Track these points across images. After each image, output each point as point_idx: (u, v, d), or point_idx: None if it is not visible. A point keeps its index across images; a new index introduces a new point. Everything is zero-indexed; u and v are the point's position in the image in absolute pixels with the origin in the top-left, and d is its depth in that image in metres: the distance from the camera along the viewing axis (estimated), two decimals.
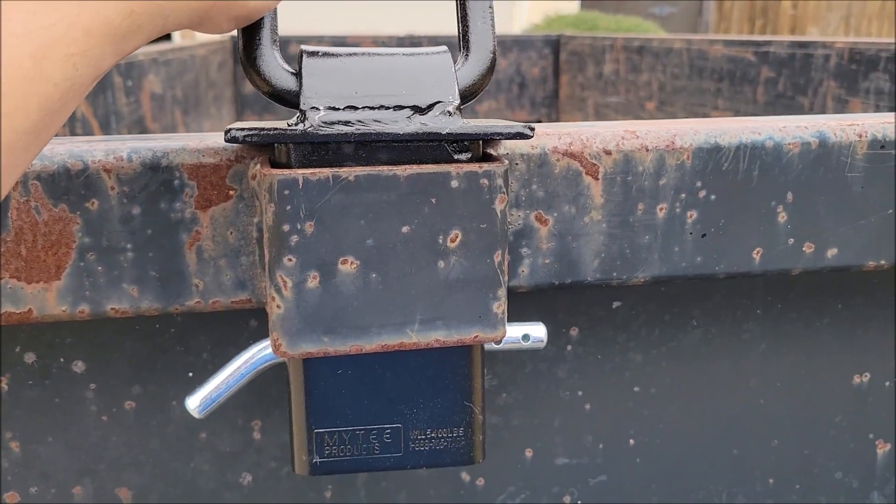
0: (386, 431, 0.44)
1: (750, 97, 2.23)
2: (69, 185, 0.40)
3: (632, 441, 0.57)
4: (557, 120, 3.59)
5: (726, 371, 0.56)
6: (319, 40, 3.42)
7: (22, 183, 0.40)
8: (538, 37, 3.62)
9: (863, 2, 8.08)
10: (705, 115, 2.45)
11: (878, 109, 1.81)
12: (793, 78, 2.06)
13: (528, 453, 0.56)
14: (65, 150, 0.41)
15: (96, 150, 0.41)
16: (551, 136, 0.45)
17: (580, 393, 0.55)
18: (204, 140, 0.42)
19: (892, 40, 1.75)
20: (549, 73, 3.61)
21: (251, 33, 0.39)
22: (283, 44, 3.27)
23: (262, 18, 0.39)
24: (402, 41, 3.46)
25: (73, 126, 1.61)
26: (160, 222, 0.42)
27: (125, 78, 1.97)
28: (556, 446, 0.56)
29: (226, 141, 0.36)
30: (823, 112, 1.97)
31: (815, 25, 8.05)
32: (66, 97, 0.32)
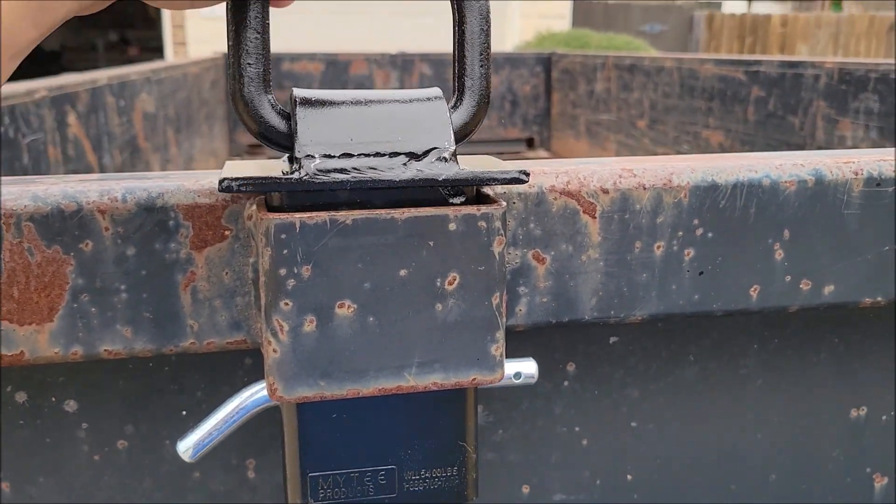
0: (380, 473, 0.44)
1: (740, 116, 2.25)
2: (63, 226, 0.40)
3: (629, 476, 0.56)
4: (549, 137, 3.60)
5: (724, 406, 0.56)
6: (312, 58, 3.43)
7: (15, 224, 0.39)
8: (530, 54, 3.65)
9: (851, 20, 8.16)
10: (696, 134, 2.46)
11: (867, 130, 1.83)
12: (783, 97, 2.07)
13: (525, 490, 0.55)
14: (59, 191, 0.40)
15: (90, 190, 0.40)
16: (548, 174, 0.44)
17: (577, 429, 0.55)
18: (199, 180, 0.42)
19: (882, 61, 1.76)
20: (541, 91, 3.63)
21: (243, 70, 0.38)
22: (275, 62, 3.28)
23: (254, 56, 0.38)
24: (394, 58, 3.47)
25: (66, 147, 1.60)
26: (155, 263, 0.41)
27: (118, 98, 1.97)
28: (554, 483, 0.55)
29: (220, 191, 0.36)
30: (814, 132, 1.99)
31: (805, 43, 8.12)
32: None
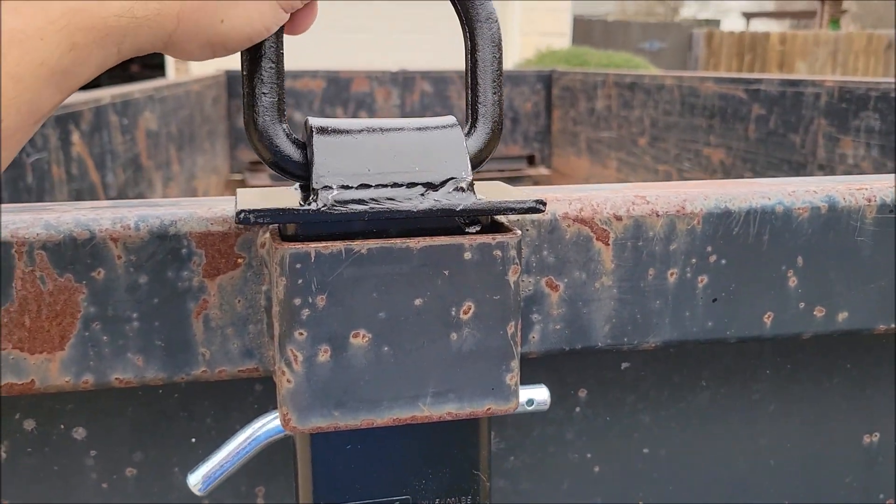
0: (395, 503, 0.43)
1: (742, 134, 2.25)
2: (75, 254, 0.40)
3: (641, 503, 0.56)
4: (550, 154, 3.61)
5: (736, 432, 0.56)
6: (313, 75, 3.44)
7: (27, 253, 0.39)
8: (530, 72, 3.66)
9: (850, 37, 8.21)
10: (697, 152, 2.47)
11: (868, 148, 1.83)
12: (784, 115, 2.08)
13: None
14: (71, 219, 0.40)
15: (103, 218, 0.40)
16: (562, 201, 0.44)
17: (589, 455, 0.54)
18: (212, 207, 0.42)
19: (882, 79, 1.77)
20: (542, 108, 3.64)
21: (258, 100, 0.38)
22: None
23: (268, 85, 0.38)
24: (395, 76, 3.48)
25: (69, 166, 1.60)
26: (167, 291, 0.41)
27: (121, 116, 1.97)
28: None
29: (237, 223, 0.35)
30: (815, 150, 1.99)
31: (803, 60, 8.16)
32: None
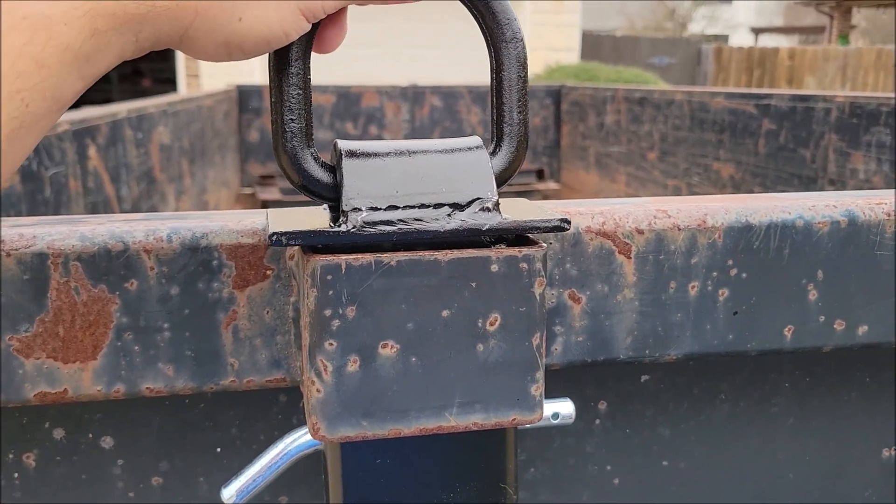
0: None
1: (752, 149, 2.25)
2: (109, 265, 0.41)
3: None
4: (559, 168, 3.62)
5: (755, 445, 0.56)
6: (324, 90, 3.47)
7: (63, 264, 0.40)
8: (540, 87, 3.68)
9: (859, 53, 8.21)
10: (707, 166, 2.47)
11: (879, 163, 1.83)
12: (794, 130, 2.08)
13: None
14: (105, 231, 0.41)
15: (137, 230, 0.41)
16: (584, 215, 0.45)
17: (609, 467, 0.55)
18: (242, 220, 0.43)
19: (893, 95, 1.77)
20: (551, 123, 3.65)
21: (286, 125, 0.39)
22: None
23: (296, 112, 0.38)
24: (405, 90, 3.50)
25: (86, 179, 1.62)
26: (198, 302, 0.42)
27: (136, 130, 1.99)
28: None
29: (270, 245, 0.36)
30: (825, 164, 1.99)
31: (812, 75, 8.17)
32: (15, 137, 0.29)
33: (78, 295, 0.41)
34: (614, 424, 0.54)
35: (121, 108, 1.94)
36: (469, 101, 3.54)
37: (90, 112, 1.78)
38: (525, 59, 0.42)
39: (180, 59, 8.01)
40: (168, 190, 2.28)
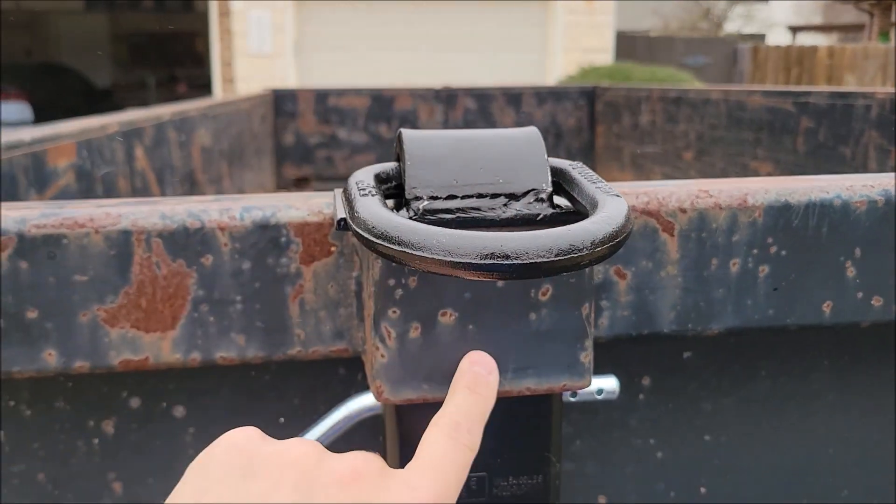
0: (472, 479, 0.47)
1: (790, 147, 2.24)
2: (187, 241, 0.44)
3: (703, 489, 0.58)
4: (594, 169, 3.62)
5: (795, 420, 0.58)
6: (358, 93, 3.51)
7: (145, 241, 0.44)
8: (573, 88, 3.68)
9: None
10: (745, 165, 2.46)
11: None
12: (833, 128, 2.07)
13: (602, 500, 0.57)
14: (183, 210, 0.44)
15: (211, 209, 0.44)
16: (629, 195, 0.47)
17: (652, 441, 0.57)
18: (309, 200, 0.46)
19: None
20: (585, 124, 3.66)
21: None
22: (322, 96, 3.36)
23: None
24: (438, 93, 3.53)
25: (134, 180, 1.68)
26: (267, 276, 0.45)
27: (179, 132, 2.05)
28: (629, 493, 0.57)
29: (337, 230, 0.39)
30: (865, 162, 1.98)
31: (852, 74, 8.04)
32: None
33: (158, 269, 0.44)
34: (657, 399, 0.56)
35: (164, 111, 2.00)
36: (503, 103, 3.56)
37: (137, 114, 1.84)
38: None
39: (216, 64, 8.13)
40: (208, 191, 2.34)
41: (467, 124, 3.46)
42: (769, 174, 2.30)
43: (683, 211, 0.47)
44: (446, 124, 3.46)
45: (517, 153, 0.42)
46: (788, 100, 2.27)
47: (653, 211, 0.47)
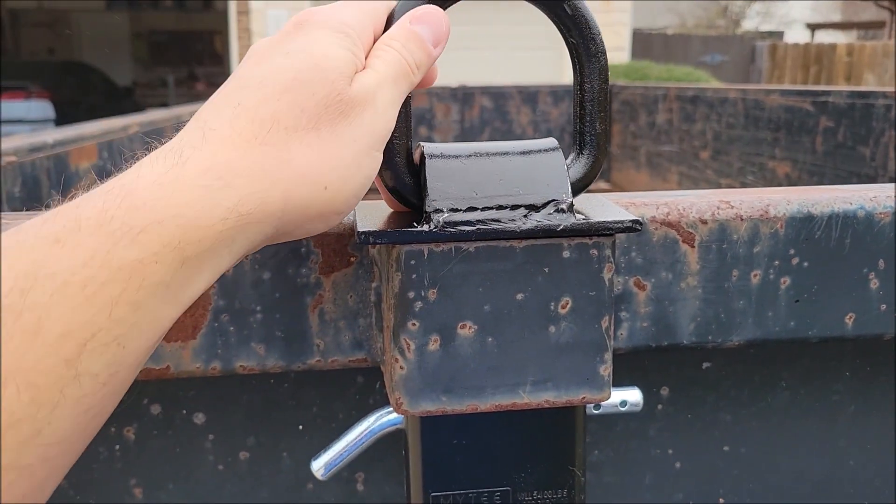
0: (496, 494, 0.47)
1: (808, 147, 2.22)
2: None
3: (721, 500, 0.58)
4: (609, 168, 3.61)
5: (815, 432, 0.57)
6: None
7: None
8: None
9: None
10: (762, 165, 2.44)
11: None
12: (852, 128, 2.05)
13: None
14: None
15: None
16: (649, 206, 0.47)
17: (670, 451, 0.56)
18: None
19: None
20: None
21: (391, 143, 0.40)
22: None
23: (402, 130, 0.41)
24: (454, 91, 3.53)
25: None
26: (287, 286, 0.45)
27: None
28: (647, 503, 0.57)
29: (359, 243, 0.39)
30: (885, 162, 1.96)
31: (872, 72, 7.95)
32: (118, 379, 0.30)
33: None
34: (676, 409, 0.56)
35: (184, 111, 2.01)
36: (519, 102, 3.55)
37: (157, 114, 1.85)
38: (607, 73, 0.44)
39: (234, 62, 8.17)
40: None
41: (483, 123, 3.45)
42: (787, 174, 2.28)
43: (704, 222, 0.47)
44: (462, 123, 3.45)
45: (536, 164, 0.42)
46: (807, 99, 2.25)
47: (673, 222, 0.47)
